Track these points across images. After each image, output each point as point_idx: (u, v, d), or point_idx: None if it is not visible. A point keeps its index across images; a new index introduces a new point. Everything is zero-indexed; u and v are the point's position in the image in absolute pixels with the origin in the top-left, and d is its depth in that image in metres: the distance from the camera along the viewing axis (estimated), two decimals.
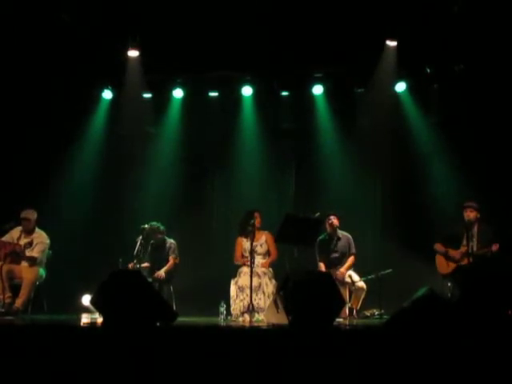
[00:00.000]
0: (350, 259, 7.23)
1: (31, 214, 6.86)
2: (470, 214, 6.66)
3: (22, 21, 6.97)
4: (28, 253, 6.71)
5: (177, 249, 7.47)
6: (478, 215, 6.68)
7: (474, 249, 6.61)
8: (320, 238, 7.18)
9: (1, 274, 6.52)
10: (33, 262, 6.68)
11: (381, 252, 7.83)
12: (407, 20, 6.98)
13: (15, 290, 6.58)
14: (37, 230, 6.91)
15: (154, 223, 7.34)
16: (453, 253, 6.70)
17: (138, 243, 7.02)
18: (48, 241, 6.89)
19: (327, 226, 7.25)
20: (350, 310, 6.98)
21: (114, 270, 5.20)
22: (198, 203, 8.63)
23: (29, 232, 6.84)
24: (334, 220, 7.24)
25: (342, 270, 7.12)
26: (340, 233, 7.32)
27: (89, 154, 8.53)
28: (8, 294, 6.50)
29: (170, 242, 7.51)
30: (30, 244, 6.76)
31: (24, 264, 6.69)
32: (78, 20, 7.13)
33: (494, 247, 6.39)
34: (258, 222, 6.97)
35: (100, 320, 5.45)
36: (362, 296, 7.02)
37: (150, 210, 8.14)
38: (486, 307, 4.32)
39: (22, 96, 7.90)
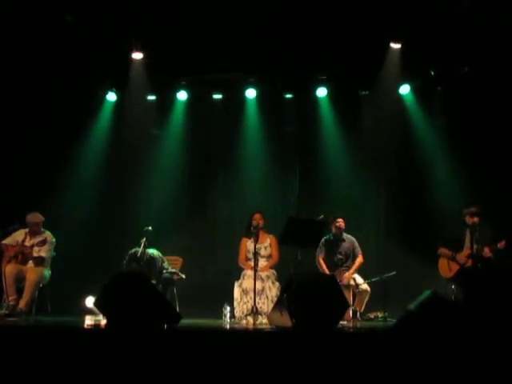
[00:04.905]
0: (358, 260, 7.21)
1: (39, 218, 6.87)
2: (476, 219, 6.68)
3: (26, 22, 6.99)
4: (37, 252, 6.72)
5: (165, 260, 7.39)
6: (481, 218, 6.69)
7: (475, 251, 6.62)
8: (325, 238, 7.17)
9: (4, 276, 6.53)
10: (41, 261, 6.69)
11: (384, 254, 7.81)
12: (411, 22, 6.97)
13: (21, 292, 6.58)
14: (42, 229, 6.93)
15: (134, 250, 7.13)
16: (460, 256, 6.69)
17: (142, 245, 7.03)
18: (54, 240, 6.92)
19: (333, 228, 7.25)
20: (354, 312, 6.95)
21: (117, 272, 5.22)
22: (201, 205, 8.63)
23: (36, 233, 6.86)
24: (341, 223, 7.25)
25: (347, 274, 7.10)
26: (344, 235, 7.32)
27: (93, 156, 8.56)
28: (13, 297, 6.49)
29: (152, 254, 7.23)
30: (43, 242, 6.78)
31: (30, 264, 6.70)
32: (82, 22, 7.14)
33: (500, 245, 6.37)
34: (260, 223, 6.98)
35: (103, 322, 5.46)
36: (366, 298, 7.01)
37: (153, 212, 8.15)
38: (491, 309, 4.30)
39: (27, 97, 7.92)
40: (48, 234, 6.90)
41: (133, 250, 7.12)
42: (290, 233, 6.10)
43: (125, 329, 4.29)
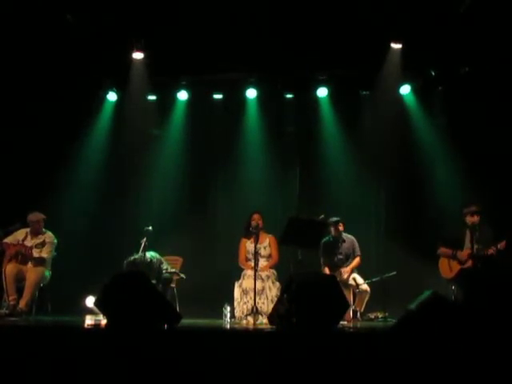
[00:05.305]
0: (356, 260, 7.23)
1: (40, 216, 6.89)
2: (476, 219, 6.67)
3: (28, 22, 7.00)
4: (37, 253, 6.73)
5: (164, 261, 7.39)
6: (481, 218, 6.68)
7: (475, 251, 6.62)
8: (324, 240, 7.18)
9: (5, 275, 6.54)
10: (40, 262, 6.69)
11: (385, 255, 7.81)
12: (412, 22, 6.97)
13: (21, 292, 6.58)
14: (44, 230, 6.94)
15: (133, 258, 7.08)
16: (460, 254, 6.68)
17: (142, 245, 7.02)
18: (56, 241, 6.92)
19: (333, 230, 7.25)
20: (354, 312, 6.97)
21: (117, 272, 5.22)
22: (201, 205, 8.64)
23: (37, 233, 6.87)
24: (340, 226, 7.26)
25: (347, 268, 7.10)
26: (344, 235, 7.32)
27: (93, 155, 8.56)
28: (13, 296, 6.50)
29: (151, 258, 7.19)
30: (43, 244, 6.79)
31: (29, 264, 6.70)
32: (84, 22, 7.15)
33: (501, 245, 6.37)
34: (260, 223, 6.97)
35: (104, 322, 5.46)
36: (366, 299, 7.01)
37: (153, 212, 8.14)
38: (491, 309, 4.30)
39: (28, 97, 7.92)
40: (49, 235, 6.91)
41: (131, 258, 7.08)
42: (290, 233, 6.10)
43: (125, 329, 4.29)
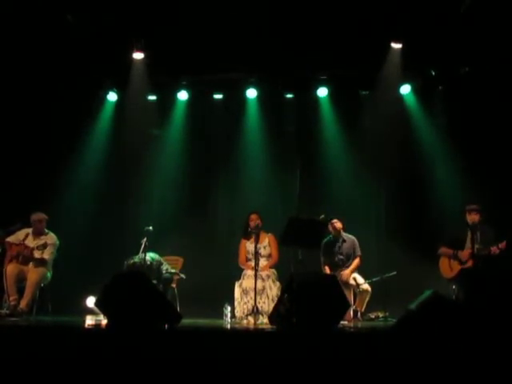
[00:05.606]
0: (356, 261, 7.23)
1: (43, 216, 6.90)
2: (475, 217, 6.66)
3: (27, 23, 7.00)
4: (39, 254, 6.73)
5: (164, 261, 7.40)
6: (481, 217, 6.68)
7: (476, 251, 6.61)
8: (325, 240, 7.18)
9: (6, 275, 6.54)
10: (41, 263, 6.70)
11: (385, 254, 7.80)
12: (412, 22, 6.97)
13: (22, 292, 6.59)
14: (46, 231, 6.94)
15: (133, 261, 7.10)
16: (461, 254, 6.67)
17: (143, 245, 7.02)
18: (58, 242, 6.92)
19: (331, 229, 7.25)
20: (355, 312, 6.96)
21: (118, 272, 5.22)
22: (202, 205, 8.64)
23: (40, 234, 6.87)
24: (337, 224, 7.25)
25: (347, 271, 7.10)
26: (345, 235, 7.32)
27: (93, 156, 8.57)
28: (14, 296, 6.50)
29: (151, 260, 7.18)
30: (44, 246, 6.79)
31: (30, 265, 6.71)
32: (83, 22, 7.15)
33: (501, 245, 6.36)
34: (259, 223, 6.96)
35: (104, 322, 5.46)
36: (367, 298, 7.01)
37: (153, 212, 8.14)
38: (491, 309, 4.31)
39: (28, 98, 7.92)
40: (51, 236, 6.91)
41: (131, 262, 7.08)
42: (290, 233, 6.09)
43: (125, 329, 4.29)
